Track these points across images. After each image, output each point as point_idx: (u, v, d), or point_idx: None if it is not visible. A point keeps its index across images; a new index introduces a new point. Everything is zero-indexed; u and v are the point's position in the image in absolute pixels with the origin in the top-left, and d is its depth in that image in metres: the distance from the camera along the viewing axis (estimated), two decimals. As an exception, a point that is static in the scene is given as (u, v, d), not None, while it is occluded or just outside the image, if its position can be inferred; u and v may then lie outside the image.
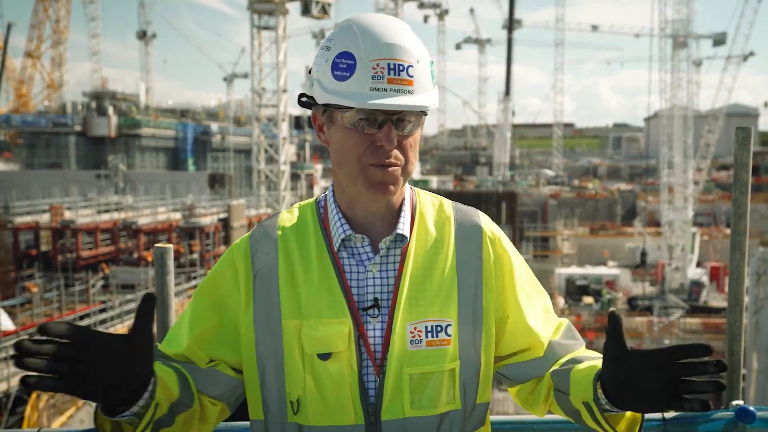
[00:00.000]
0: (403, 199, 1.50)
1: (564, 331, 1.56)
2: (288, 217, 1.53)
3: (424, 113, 1.42)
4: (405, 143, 1.40)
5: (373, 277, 1.44)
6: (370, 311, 1.42)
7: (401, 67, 1.34)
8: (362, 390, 1.41)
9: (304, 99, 1.46)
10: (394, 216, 1.48)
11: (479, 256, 1.49)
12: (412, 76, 1.35)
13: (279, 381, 1.44)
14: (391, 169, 1.39)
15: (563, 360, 1.51)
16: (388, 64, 1.33)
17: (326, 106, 1.40)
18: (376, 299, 1.42)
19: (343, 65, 1.35)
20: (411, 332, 1.41)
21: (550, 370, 1.51)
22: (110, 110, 52.56)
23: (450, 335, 1.43)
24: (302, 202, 1.57)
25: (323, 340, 1.40)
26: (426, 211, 1.52)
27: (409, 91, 1.34)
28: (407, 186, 1.52)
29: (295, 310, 1.43)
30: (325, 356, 1.40)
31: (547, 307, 1.58)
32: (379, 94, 1.33)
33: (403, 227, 1.46)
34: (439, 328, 1.43)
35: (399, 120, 1.37)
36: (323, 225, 1.49)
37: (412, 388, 1.41)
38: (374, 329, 1.42)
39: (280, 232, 1.49)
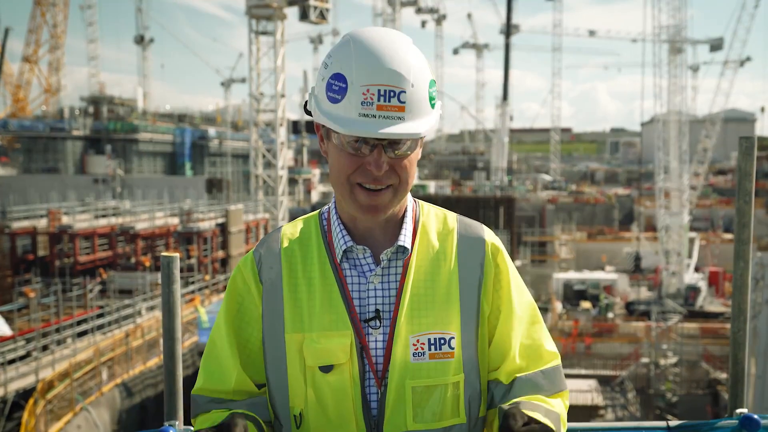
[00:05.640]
0: (405, 211, 1.49)
1: (546, 369, 1.49)
2: (291, 230, 1.53)
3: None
4: (400, 164, 1.38)
5: (375, 289, 1.44)
6: (372, 323, 1.42)
7: (392, 93, 1.31)
8: (364, 402, 1.41)
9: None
10: (395, 227, 1.48)
11: (481, 268, 1.48)
12: (403, 102, 1.31)
13: (283, 395, 1.45)
14: (379, 193, 1.38)
15: (521, 399, 1.44)
16: (379, 90, 1.30)
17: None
18: (377, 310, 1.43)
19: (336, 87, 1.33)
20: (414, 344, 1.41)
21: (503, 404, 1.45)
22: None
23: (453, 348, 1.43)
24: (306, 215, 1.58)
25: (325, 353, 1.41)
26: (429, 223, 1.51)
27: (399, 118, 1.31)
28: (410, 198, 1.51)
29: (297, 323, 1.43)
30: (326, 368, 1.41)
31: (536, 338, 1.50)
32: (368, 121, 1.30)
33: (405, 239, 1.46)
34: (442, 341, 1.43)
35: (393, 143, 1.35)
36: (326, 237, 1.49)
37: (415, 401, 1.41)
38: (376, 341, 1.42)
39: (284, 245, 1.50)
